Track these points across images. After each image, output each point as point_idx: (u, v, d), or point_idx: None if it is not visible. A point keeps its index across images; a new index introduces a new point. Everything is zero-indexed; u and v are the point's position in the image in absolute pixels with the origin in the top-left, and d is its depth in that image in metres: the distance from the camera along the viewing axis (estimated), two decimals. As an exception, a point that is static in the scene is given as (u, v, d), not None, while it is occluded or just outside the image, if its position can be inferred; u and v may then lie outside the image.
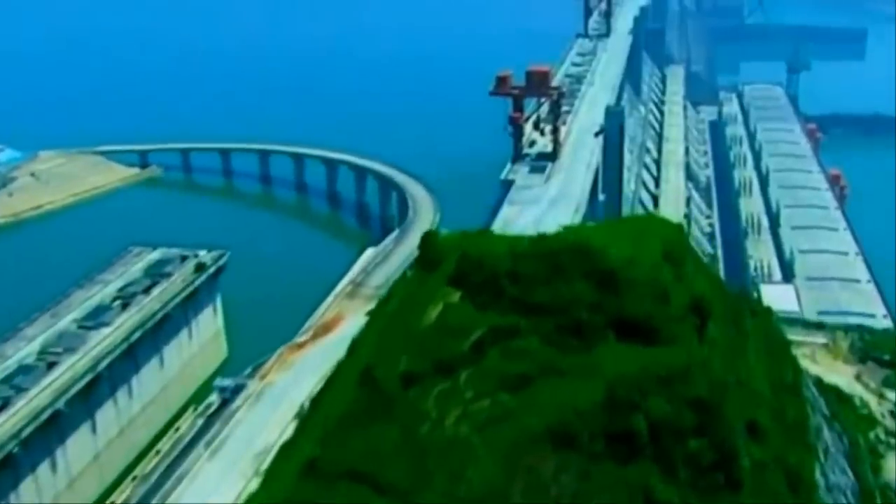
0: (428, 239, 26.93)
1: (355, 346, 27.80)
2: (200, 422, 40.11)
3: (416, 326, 22.94)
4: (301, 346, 44.34)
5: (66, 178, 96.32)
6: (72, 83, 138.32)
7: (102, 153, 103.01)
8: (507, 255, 24.98)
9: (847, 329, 43.84)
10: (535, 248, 26.12)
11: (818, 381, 37.52)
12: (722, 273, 69.71)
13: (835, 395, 37.62)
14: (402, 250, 62.42)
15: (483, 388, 21.56)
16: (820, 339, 42.62)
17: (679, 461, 21.21)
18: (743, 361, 27.88)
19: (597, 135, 69.02)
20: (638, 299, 24.22)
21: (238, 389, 40.48)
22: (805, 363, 39.03)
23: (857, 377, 39.58)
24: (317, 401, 26.69)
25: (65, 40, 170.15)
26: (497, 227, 56.91)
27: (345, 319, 46.07)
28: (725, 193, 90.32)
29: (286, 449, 26.55)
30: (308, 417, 26.30)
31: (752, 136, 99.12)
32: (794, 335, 41.22)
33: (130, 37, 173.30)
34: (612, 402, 21.36)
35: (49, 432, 43.54)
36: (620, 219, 42.95)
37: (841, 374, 39.57)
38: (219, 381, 42.24)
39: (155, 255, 58.32)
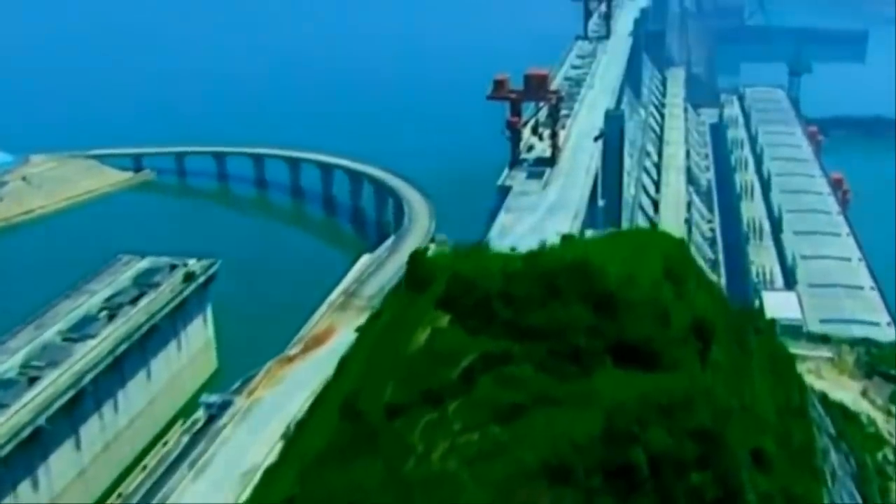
0: (417, 258, 25.73)
1: (343, 366, 26.67)
2: (186, 439, 38.96)
3: (402, 352, 21.76)
4: (291, 359, 43.13)
5: (58, 182, 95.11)
6: (65, 84, 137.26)
7: (95, 157, 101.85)
8: (499, 275, 23.81)
9: (852, 343, 42.68)
10: (529, 268, 24.95)
11: (823, 398, 36.42)
12: (723, 278, 68.71)
13: (841, 412, 36.52)
14: (397, 259, 61.22)
15: (473, 420, 20.38)
16: (825, 352, 41.52)
17: (681, 497, 20.04)
18: (748, 383, 26.72)
19: (596, 139, 67.93)
20: (637, 322, 23.07)
21: (225, 406, 39.32)
22: (810, 378, 37.93)
23: (864, 393, 38.47)
24: (302, 425, 25.57)
25: (59, 41, 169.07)
26: (494, 234, 56.12)
27: (336, 332, 44.85)
28: (727, 197, 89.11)
29: (268, 476, 25.41)
30: (292, 443, 25.15)
31: (753, 140, 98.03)
32: (798, 349, 40.16)
33: (125, 37, 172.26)
34: (610, 434, 20.19)
35: (31, 449, 42.34)
36: (619, 232, 41.77)
37: (847, 390, 38.46)
38: (205, 398, 41.08)
39: (143, 264, 57.14)
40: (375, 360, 23.07)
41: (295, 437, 25.03)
